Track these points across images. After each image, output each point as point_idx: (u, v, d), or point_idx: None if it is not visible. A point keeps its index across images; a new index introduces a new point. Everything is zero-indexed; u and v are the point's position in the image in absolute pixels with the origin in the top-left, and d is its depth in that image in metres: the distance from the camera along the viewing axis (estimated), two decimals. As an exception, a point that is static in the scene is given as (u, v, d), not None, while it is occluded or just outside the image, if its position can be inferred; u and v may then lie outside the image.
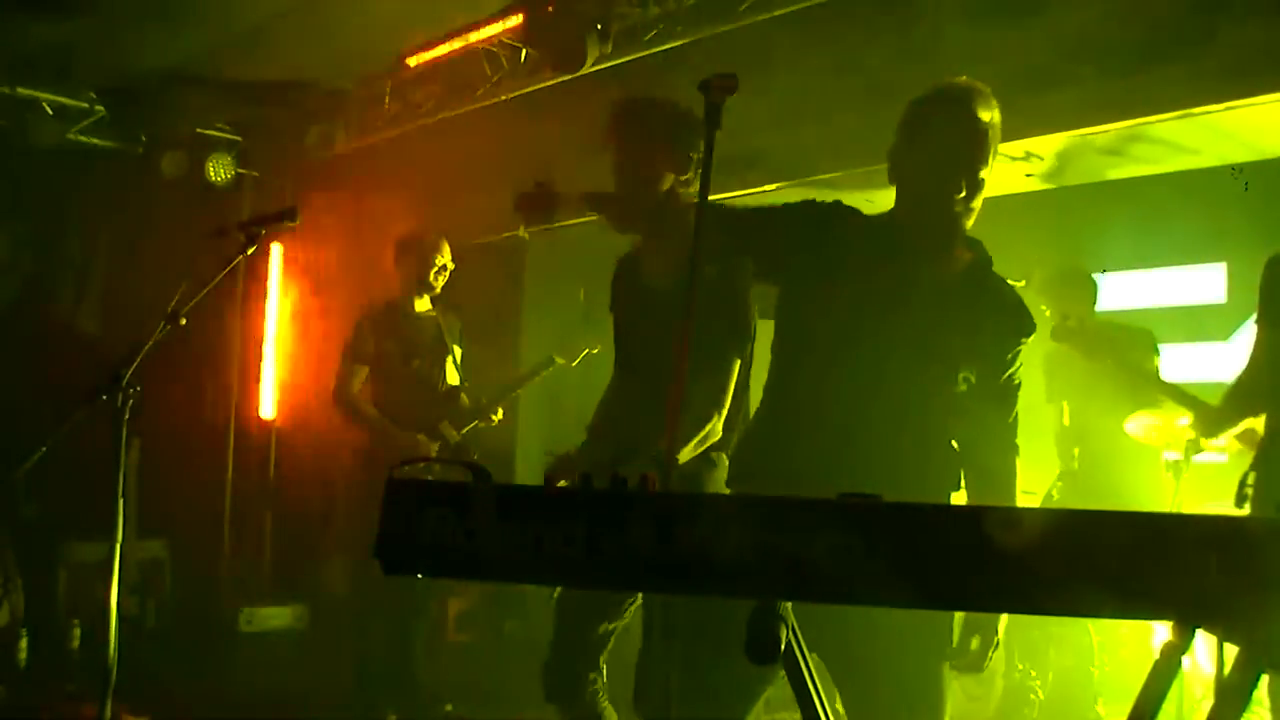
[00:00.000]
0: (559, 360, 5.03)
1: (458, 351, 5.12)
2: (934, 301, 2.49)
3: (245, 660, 6.34)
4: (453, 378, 5.09)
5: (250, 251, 3.33)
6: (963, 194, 2.45)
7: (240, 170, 7.49)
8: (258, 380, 7.59)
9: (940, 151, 2.47)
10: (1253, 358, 3.51)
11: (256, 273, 7.51)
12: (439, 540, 1.42)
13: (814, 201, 2.63)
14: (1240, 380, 3.63)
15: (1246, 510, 3.38)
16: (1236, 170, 4.75)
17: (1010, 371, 2.57)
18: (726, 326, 3.00)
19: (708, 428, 2.99)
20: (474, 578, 1.45)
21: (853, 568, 1.30)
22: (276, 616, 6.77)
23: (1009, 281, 2.64)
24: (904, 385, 2.43)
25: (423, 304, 5.04)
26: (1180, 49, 4.42)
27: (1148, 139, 4.98)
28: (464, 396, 5.10)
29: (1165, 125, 4.72)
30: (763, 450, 2.63)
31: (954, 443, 2.58)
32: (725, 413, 3.02)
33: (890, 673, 2.37)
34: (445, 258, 4.99)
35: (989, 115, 2.47)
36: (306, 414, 7.17)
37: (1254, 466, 3.47)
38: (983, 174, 2.47)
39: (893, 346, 2.44)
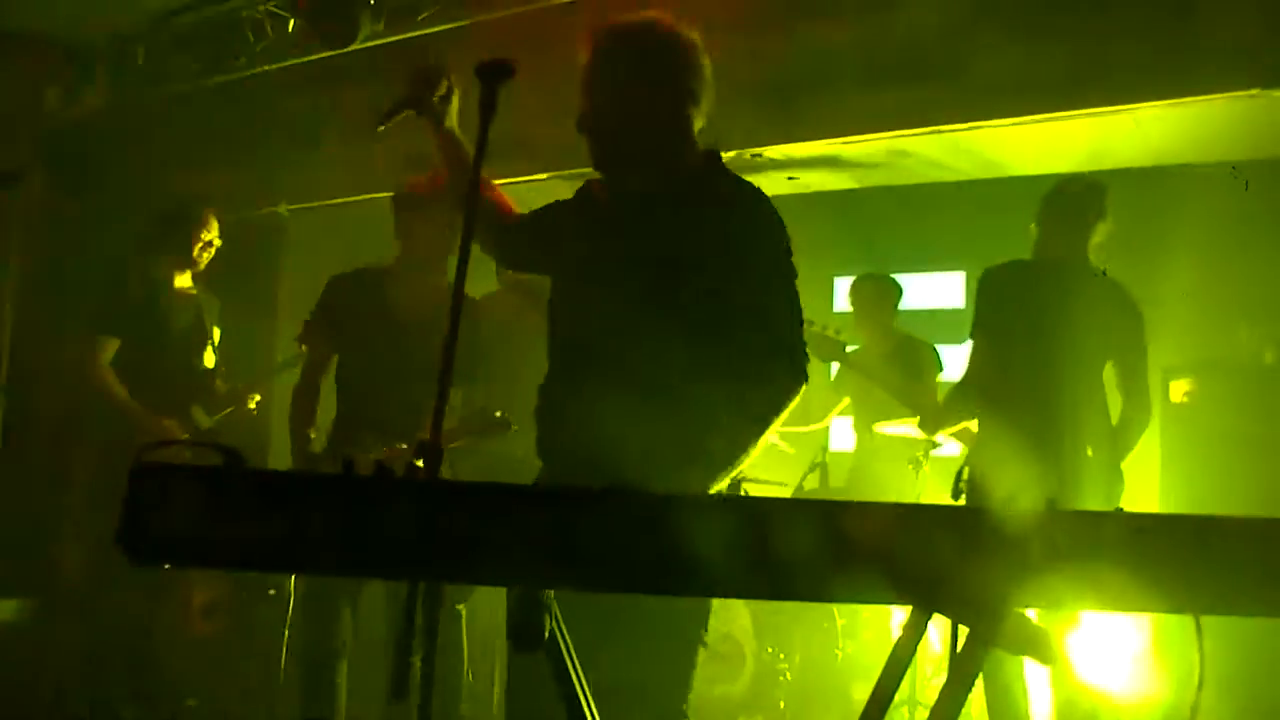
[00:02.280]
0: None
1: (216, 334, 4.87)
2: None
3: (-39, 658, 5.84)
4: (209, 361, 4.83)
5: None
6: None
7: (-31, 126, 6.87)
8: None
9: None
10: (970, 363, 3.81)
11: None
12: (188, 528, 1.35)
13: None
14: (958, 384, 3.95)
15: (963, 502, 3.64)
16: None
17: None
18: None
19: None
20: (225, 567, 1.39)
21: (613, 556, 1.32)
22: (-1, 610, 6.28)
23: None
24: None
25: (183, 280, 4.76)
26: (933, 71, 4.71)
27: (902, 151, 5.28)
28: (219, 382, 4.86)
29: (917, 140, 5.02)
30: None
31: None
32: None
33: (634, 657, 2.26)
34: (213, 234, 4.73)
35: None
36: (41, 388, 6.66)
37: (968, 461, 3.76)
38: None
39: None
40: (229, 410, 4.85)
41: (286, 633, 3.59)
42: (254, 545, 1.35)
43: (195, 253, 4.69)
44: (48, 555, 6.03)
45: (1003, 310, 3.76)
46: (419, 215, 3.78)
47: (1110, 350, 3.74)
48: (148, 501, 1.35)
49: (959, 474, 3.67)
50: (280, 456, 6.61)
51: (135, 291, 4.66)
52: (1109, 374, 3.78)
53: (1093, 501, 3.52)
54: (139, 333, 4.60)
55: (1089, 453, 3.61)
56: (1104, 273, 3.78)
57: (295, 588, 3.66)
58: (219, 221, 4.77)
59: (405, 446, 3.47)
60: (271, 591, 3.97)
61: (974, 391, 3.82)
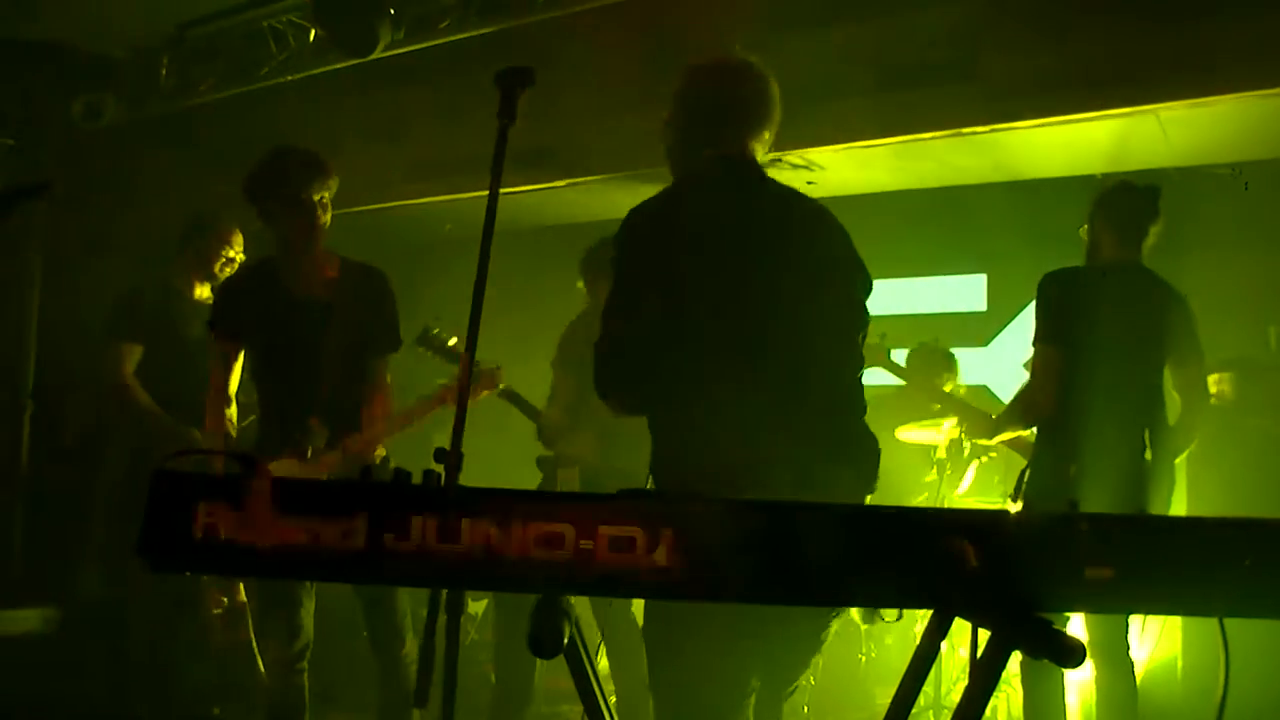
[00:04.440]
0: None
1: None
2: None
3: (-11, 666, 5.88)
4: (228, 369, 4.85)
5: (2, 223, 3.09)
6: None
7: (-6, 138, 6.93)
8: (12, 360, 7.06)
9: None
10: (1033, 373, 3.75)
11: (12, 247, 6.98)
12: (209, 536, 1.36)
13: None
14: (1021, 394, 3.88)
15: (1021, 503, 3.64)
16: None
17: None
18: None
19: None
20: (246, 575, 1.39)
21: (633, 561, 1.31)
22: (24, 619, 6.31)
23: None
24: None
25: (202, 291, 4.77)
26: (952, 73, 4.70)
27: (919, 155, 5.25)
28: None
29: (937, 143, 5.00)
30: None
31: None
32: None
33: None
34: (236, 249, 4.72)
35: None
36: (66, 396, 6.72)
37: (1031, 464, 3.73)
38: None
39: None
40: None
41: (253, 640, 3.63)
42: (274, 553, 1.35)
43: (216, 267, 4.68)
44: (72, 564, 6.08)
45: (1069, 317, 3.69)
46: (276, 200, 3.74)
47: (1170, 352, 3.71)
48: (169, 509, 1.36)
49: (1021, 475, 3.68)
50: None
51: (152, 300, 4.67)
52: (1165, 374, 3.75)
53: (1159, 504, 3.54)
54: (157, 341, 4.61)
55: (1148, 455, 3.59)
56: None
57: (248, 597, 3.69)
58: (243, 234, 4.77)
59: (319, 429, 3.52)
60: (225, 600, 4.00)
61: (1038, 401, 3.73)
